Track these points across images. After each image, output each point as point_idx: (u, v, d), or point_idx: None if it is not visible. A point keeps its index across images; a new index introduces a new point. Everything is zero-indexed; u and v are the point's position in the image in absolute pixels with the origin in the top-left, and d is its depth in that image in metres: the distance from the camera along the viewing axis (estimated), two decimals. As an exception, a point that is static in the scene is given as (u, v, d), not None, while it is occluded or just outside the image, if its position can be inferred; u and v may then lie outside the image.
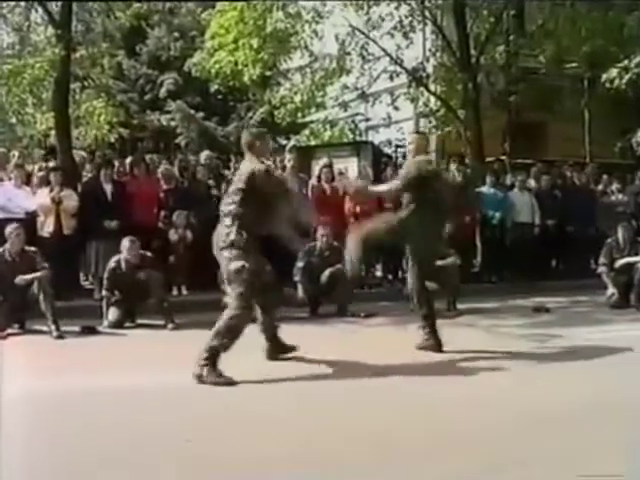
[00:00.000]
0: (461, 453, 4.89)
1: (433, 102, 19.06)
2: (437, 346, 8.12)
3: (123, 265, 10.46)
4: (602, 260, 12.38)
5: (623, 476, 4.40)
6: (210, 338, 6.88)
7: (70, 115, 15.33)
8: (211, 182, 13.46)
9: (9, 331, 9.76)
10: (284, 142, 24.79)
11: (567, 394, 6.30)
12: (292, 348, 7.76)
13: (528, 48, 20.43)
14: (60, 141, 14.31)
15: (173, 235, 12.53)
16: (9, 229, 10.05)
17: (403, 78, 18.72)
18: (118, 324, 10.21)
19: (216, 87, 19.32)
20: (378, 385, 6.76)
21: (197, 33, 24.40)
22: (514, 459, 4.76)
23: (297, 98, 18.94)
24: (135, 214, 12.52)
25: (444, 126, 19.45)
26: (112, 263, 10.53)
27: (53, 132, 16.11)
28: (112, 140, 22.16)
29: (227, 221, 7.30)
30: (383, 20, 17.88)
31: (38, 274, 9.81)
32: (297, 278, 11.36)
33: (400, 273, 13.45)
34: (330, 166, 14.15)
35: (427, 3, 18.04)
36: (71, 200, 12.17)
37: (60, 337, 9.44)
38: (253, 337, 7.40)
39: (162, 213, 12.91)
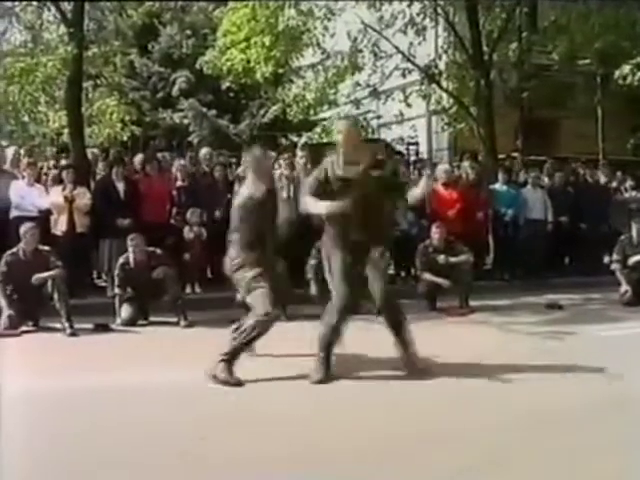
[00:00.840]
0: (469, 450, 4.90)
1: (445, 99, 19.03)
2: None
3: (132, 262, 10.48)
4: (615, 257, 12.35)
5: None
6: (233, 337, 6.90)
7: (83, 113, 15.36)
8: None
9: (23, 328, 9.79)
10: (296, 139, 24.80)
11: (579, 391, 6.29)
12: None
13: (540, 45, 20.37)
14: (73, 139, 14.36)
15: (188, 233, 12.54)
16: (24, 228, 10.07)
17: (415, 75, 18.69)
18: (131, 322, 10.23)
19: (228, 85, 19.34)
20: (386, 383, 6.75)
21: (209, 31, 24.39)
22: (523, 455, 4.76)
23: (309, 95, 18.94)
24: (148, 212, 12.54)
25: (456, 123, 19.42)
26: (122, 259, 10.58)
27: (66, 130, 16.17)
28: (124, 138, 22.21)
29: (232, 247, 7.44)
30: (395, 17, 17.85)
31: (52, 273, 9.85)
32: (310, 276, 11.34)
33: (413, 270, 13.43)
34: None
35: (439, 0, 18.02)
36: (84, 198, 12.20)
37: (73, 334, 9.47)
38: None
39: (175, 210, 12.93)
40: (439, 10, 18.04)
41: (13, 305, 9.71)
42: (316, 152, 15.08)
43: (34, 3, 16.27)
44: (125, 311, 10.33)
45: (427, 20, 18.16)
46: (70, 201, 12.00)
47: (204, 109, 25.54)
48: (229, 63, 17.40)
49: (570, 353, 8.06)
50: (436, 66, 18.79)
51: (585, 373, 6.92)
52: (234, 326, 7.05)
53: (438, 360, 7.59)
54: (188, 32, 26.58)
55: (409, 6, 17.87)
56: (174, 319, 10.23)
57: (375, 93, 19.27)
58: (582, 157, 18.85)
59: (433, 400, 6.18)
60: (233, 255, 7.37)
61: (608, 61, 18.59)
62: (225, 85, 19.61)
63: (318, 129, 22.12)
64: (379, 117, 21.94)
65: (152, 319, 10.52)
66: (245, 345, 6.91)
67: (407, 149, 21.24)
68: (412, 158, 19.69)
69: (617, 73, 16.77)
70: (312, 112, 20.68)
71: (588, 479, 4.49)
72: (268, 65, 17.15)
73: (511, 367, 7.23)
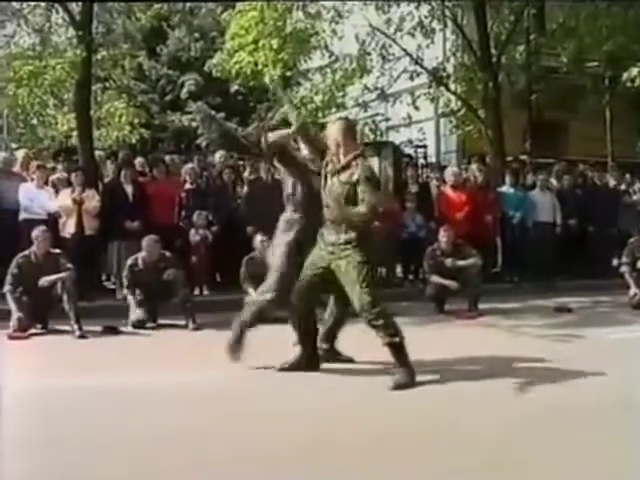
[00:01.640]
0: (473, 451, 4.89)
1: (454, 102, 19.03)
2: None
3: (140, 263, 10.49)
4: (624, 260, 12.32)
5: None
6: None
7: (91, 116, 15.38)
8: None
9: (32, 331, 9.81)
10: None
11: (588, 394, 6.26)
12: None
13: (549, 47, 20.37)
14: (81, 142, 14.37)
15: (194, 236, 12.56)
16: (36, 232, 10.08)
17: (423, 78, 18.71)
18: (140, 324, 10.24)
19: (236, 87, 19.35)
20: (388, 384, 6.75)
21: (217, 34, 24.46)
22: (531, 457, 4.75)
23: (317, 98, 18.93)
24: (156, 214, 12.57)
25: (465, 126, 19.43)
26: (130, 261, 10.60)
27: (74, 133, 16.18)
28: (133, 141, 22.23)
29: None
30: (404, 20, 17.85)
31: (62, 275, 9.86)
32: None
33: (421, 273, 13.42)
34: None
35: (447, 2, 18.04)
36: (93, 201, 12.22)
37: (82, 337, 9.48)
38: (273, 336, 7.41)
39: (183, 213, 12.95)
40: (447, 13, 18.06)
41: (22, 307, 9.72)
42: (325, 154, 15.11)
43: (42, 5, 16.29)
44: (134, 313, 10.34)
45: (435, 23, 18.18)
46: (79, 204, 12.03)
47: (212, 112, 25.45)
48: (237, 66, 17.39)
49: (579, 356, 8.03)
50: (444, 69, 18.81)
51: (594, 376, 6.89)
52: None
53: (445, 362, 7.58)
54: (196, 35, 26.66)
55: (417, 9, 17.88)
56: (182, 322, 10.24)
57: (383, 96, 19.27)
58: (591, 159, 18.81)
59: (440, 401, 6.16)
60: None
61: (616, 63, 18.58)
62: (233, 88, 19.63)
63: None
64: (387, 120, 21.89)
65: (160, 321, 10.52)
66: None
67: (415, 152, 21.22)
68: (420, 161, 19.68)
69: (625, 75, 16.74)
70: (320, 115, 20.67)
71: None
72: (276, 68, 17.16)
73: (519, 370, 7.22)
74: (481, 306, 11.34)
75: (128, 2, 21.81)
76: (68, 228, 12.09)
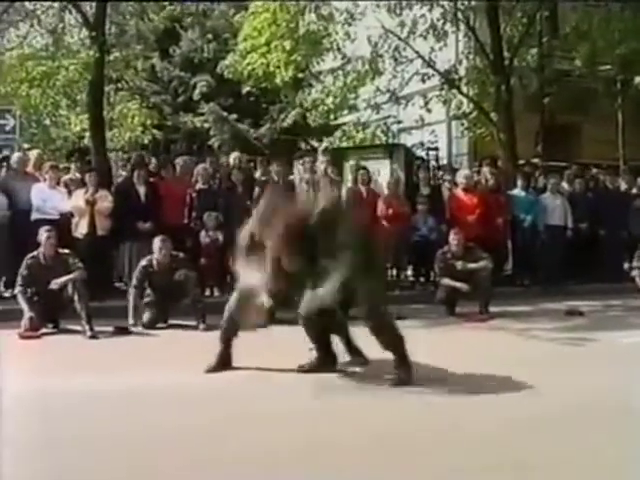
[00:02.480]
0: (482, 452, 4.90)
1: (466, 104, 19.00)
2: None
3: (155, 264, 10.51)
4: (636, 263, 12.32)
5: None
6: None
7: (104, 117, 15.44)
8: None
9: (43, 330, 9.85)
10: (316, 144, 24.82)
11: (599, 398, 6.25)
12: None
13: (561, 50, 20.34)
14: (94, 143, 14.43)
15: (204, 237, 12.58)
16: (42, 234, 10.12)
17: (436, 80, 18.67)
18: (151, 324, 10.27)
19: (248, 89, 19.39)
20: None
21: (230, 35, 24.45)
22: (539, 460, 4.76)
23: (329, 100, 18.96)
24: (168, 215, 12.60)
25: (477, 129, 19.40)
26: (144, 262, 10.61)
27: (87, 134, 16.26)
28: (145, 142, 22.31)
29: None
30: (416, 22, 17.85)
31: (72, 276, 9.89)
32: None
33: (432, 276, 13.43)
34: (365, 168, 14.24)
35: (460, 5, 18.00)
36: (105, 201, 12.26)
37: (94, 337, 9.51)
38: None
39: (194, 214, 12.96)
40: (460, 15, 18.03)
41: (34, 307, 9.76)
42: (336, 157, 15.15)
43: (55, 6, 16.35)
44: (145, 314, 10.36)
45: (448, 25, 18.14)
46: (91, 204, 12.07)
47: (225, 113, 25.60)
48: (250, 67, 17.45)
49: (591, 360, 8.03)
50: (456, 71, 18.77)
51: (606, 380, 6.88)
52: None
53: (454, 365, 7.58)
54: (209, 36, 26.65)
55: (430, 11, 17.86)
56: (193, 322, 10.26)
57: (395, 98, 19.25)
58: (602, 163, 18.77)
59: (449, 403, 6.16)
60: None
61: (629, 67, 18.56)
62: (245, 89, 19.67)
63: (338, 134, 22.11)
64: (399, 122, 21.89)
65: (171, 322, 10.55)
66: None
67: (427, 154, 21.21)
68: (432, 163, 19.67)
69: (638, 79, 16.75)
70: (332, 117, 20.70)
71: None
72: (288, 69, 17.20)
73: (530, 373, 7.21)
74: (492, 309, 11.34)
75: (141, 2, 21.90)
76: (80, 228, 12.13)
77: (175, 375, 7.00)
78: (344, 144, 20.64)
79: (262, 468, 4.64)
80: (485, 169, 15.30)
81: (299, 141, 25.13)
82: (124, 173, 13.97)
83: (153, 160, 14.60)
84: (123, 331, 9.93)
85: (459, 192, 14.33)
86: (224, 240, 12.44)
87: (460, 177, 14.68)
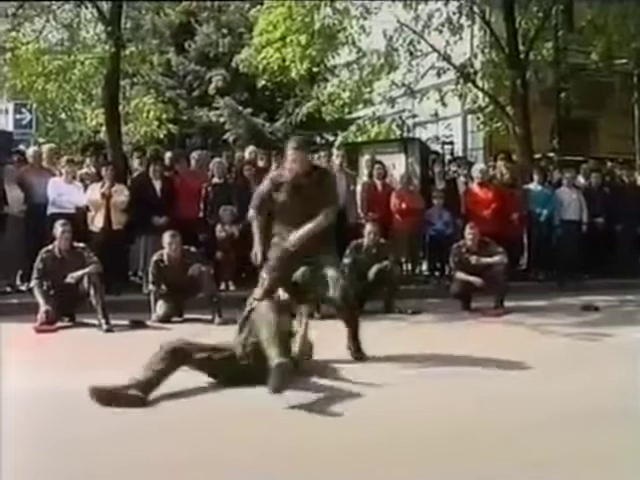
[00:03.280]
0: (496, 449, 4.89)
1: (481, 98, 18.96)
2: None
3: (166, 259, 10.53)
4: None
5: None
6: None
7: (120, 111, 15.46)
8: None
9: (59, 324, 9.89)
10: (331, 138, 24.81)
11: (615, 394, 6.23)
12: None
13: (577, 44, 20.27)
14: (110, 137, 14.45)
15: (220, 232, 12.59)
16: (58, 227, 10.16)
17: (451, 74, 18.63)
18: (166, 318, 10.29)
19: (264, 83, 19.38)
20: (416, 380, 6.74)
21: (245, 30, 24.44)
22: (558, 459, 4.74)
23: (344, 94, 18.94)
24: (184, 209, 12.63)
25: (492, 123, 19.35)
26: (156, 257, 10.65)
27: (103, 128, 16.28)
28: (161, 136, 22.33)
29: None
30: (431, 16, 17.81)
31: (87, 270, 9.92)
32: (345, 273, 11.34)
33: (447, 270, 13.42)
34: (380, 162, 14.25)
35: (476, -1, 17.98)
36: (121, 195, 12.29)
37: (109, 330, 9.54)
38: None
39: (209, 208, 12.98)
40: (475, 9, 17.98)
41: (49, 301, 9.80)
42: (351, 151, 15.15)
43: (71, 1, 16.37)
44: (160, 308, 10.39)
45: (463, 19, 18.11)
46: (107, 198, 12.10)
47: (240, 107, 25.62)
48: (265, 62, 17.45)
49: (606, 355, 8.00)
50: (472, 65, 18.72)
51: (621, 375, 6.86)
52: None
53: (469, 359, 7.58)
54: (224, 31, 26.65)
55: (445, 5, 17.83)
56: (208, 316, 10.27)
57: (410, 92, 19.23)
58: (619, 157, 18.71)
59: (462, 399, 6.15)
60: None
61: (645, 61, 18.50)
62: (261, 83, 19.62)
63: (353, 128, 22.09)
64: (414, 116, 21.87)
65: (186, 316, 10.57)
66: None
67: (442, 148, 21.20)
68: (447, 157, 19.65)
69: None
70: (347, 111, 20.69)
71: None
72: (303, 64, 17.19)
73: (545, 369, 7.20)
74: (507, 304, 11.31)
75: (157, 0, 21.95)
76: (96, 222, 12.17)
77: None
78: (359, 138, 20.63)
79: (269, 467, 4.64)
80: (500, 163, 15.27)
81: (314, 135, 25.11)
82: (139, 167, 13.96)
83: (168, 154, 14.60)
84: (139, 325, 9.96)
85: (474, 186, 14.31)
86: (240, 234, 12.49)
87: (475, 171, 14.66)
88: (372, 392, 6.30)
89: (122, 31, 15.09)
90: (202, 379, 6.41)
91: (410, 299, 11.87)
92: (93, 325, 9.74)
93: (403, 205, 13.64)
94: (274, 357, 5.97)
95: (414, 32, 17.79)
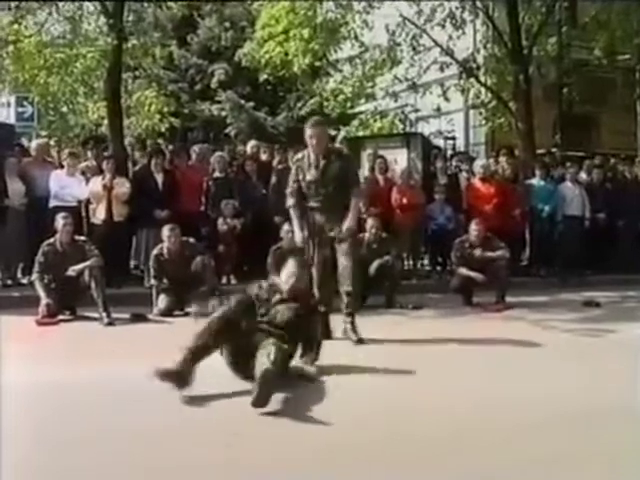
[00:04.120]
0: (493, 449, 4.87)
1: (484, 94, 18.96)
2: None
3: (166, 253, 10.52)
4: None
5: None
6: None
7: (122, 105, 15.45)
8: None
9: (60, 317, 9.89)
10: (334, 133, 24.81)
11: (616, 391, 6.21)
12: None
13: (580, 39, 20.25)
14: (112, 131, 14.43)
15: (222, 225, 12.59)
16: (60, 220, 10.15)
17: (454, 69, 18.64)
18: (168, 312, 10.28)
19: (266, 77, 19.39)
20: (419, 375, 6.72)
21: (247, 23, 24.48)
22: (561, 456, 4.73)
23: (347, 89, 18.95)
24: (185, 203, 12.62)
25: (495, 118, 19.35)
26: (156, 251, 10.64)
27: (105, 121, 16.28)
28: (163, 130, 22.33)
29: None
30: (434, 11, 17.80)
31: (88, 263, 9.92)
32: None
33: (448, 265, 13.42)
34: (382, 157, 14.23)
35: (479, -6, 17.96)
36: (123, 187, 12.27)
37: (110, 324, 9.53)
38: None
39: (211, 201, 12.98)
40: (478, 4, 17.98)
41: (51, 294, 9.80)
42: (353, 146, 15.14)
43: (74, -7, 16.37)
44: (162, 301, 10.39)
45: (466, 14, 18.11)
46: (109, 190, 12.10)
47: (242, 101, 25.63)
48: (267, 56, 17.46)
49: (607, 351, 7.99)
50: (475, 60, 18.72)
51: (622, 372, 6.84)
52: None
53: (470, 355, 7.57)
54: (227, 24, 26.67)
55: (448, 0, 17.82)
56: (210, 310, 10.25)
57: (413, 87, 19.22)
58: (621, 153, 18.69)
59: (462, 395, 6.13)
60: None
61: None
62: (263, 77, 19.64)
63: (356, 122, 22.10)
64: (417, 110, 21.87)
65: (188, 310, 10.55)
66: None
67: (444, 143, 21.19)
68: (449, 152, 19.64)
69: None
70: (350, 105, 20.68)
71: None
72: (306, 58, 17.18)
73: (546, 364, 7.19)
74: (508, 299, 11.28)
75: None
76: (98, 214, 12.16)
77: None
78: (361, 133, 20.63)
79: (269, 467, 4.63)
80: (502, 158, 15.26)
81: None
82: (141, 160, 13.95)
83: (169, 148, 14.61)
84: (140, 318, 9.96)
85: (476, 181, 14.30)
86: (241, 227, 12.50)
87: (477, 166, 14.66)
88: (369, 388, 6.29)
89: (124, 24, 15.04)
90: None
91: (411, 294, 11.86)
92: (94, 318, 9.73)
93: (404, 200, 13.61)
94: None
95: (417, 27, 17.79)
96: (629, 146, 21.49)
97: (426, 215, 13.96)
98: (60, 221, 10.14)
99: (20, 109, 18.69)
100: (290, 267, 6.87)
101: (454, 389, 6.25)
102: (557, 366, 7.10)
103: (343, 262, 7.93)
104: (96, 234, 11.59)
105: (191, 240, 10.76)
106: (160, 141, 18.53)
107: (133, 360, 7.05)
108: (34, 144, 13.48)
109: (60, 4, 16.35)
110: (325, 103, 20.15)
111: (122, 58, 14.99)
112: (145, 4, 22.68)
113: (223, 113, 25.89)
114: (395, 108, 20.90)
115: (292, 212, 8.28)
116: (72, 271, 9.88)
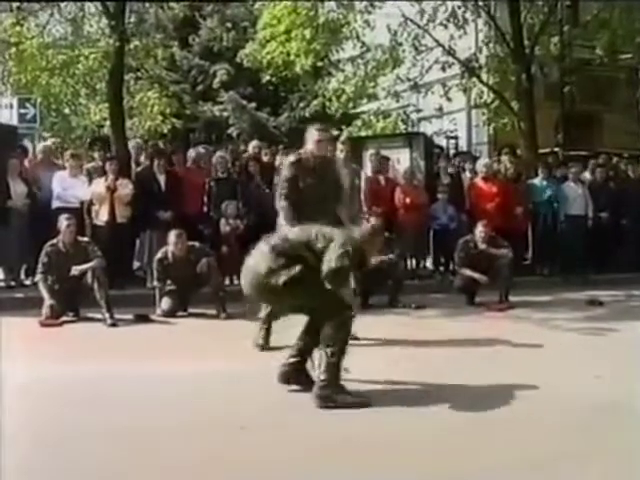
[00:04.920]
0: (493, 448, 4.88)
1: (486, 93, 18.93)
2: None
3: (170, 257, 10.50)
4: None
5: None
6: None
7: (124, 106, 15.45)
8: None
9: (64, 318, 9.89)
10: (336, 133, 24.78)
11: (620, 390, 6.21)
12: None
13: (582, 39, 20.23)
14: (114, 131, 14.43)
15: (224, 226, 12.58)
16: (62, 222, 10.16)
17: (456, 69, 18.63)
18: (171, 313, 10.28)
19: (268, 78, 19.39)
20: (422, 374, 6.73)
21: (249, 24, 24.47)
22: (558, 454, 4.73)
23: (349, 89, 18.94)
24: (188, 204, 12.61)
25: (497, 117, 19.32)
26: (160, 254, 10.61)
27: (107, 123, 16.28)
28: (165, 131, 22.35)
29: None
30: (436, 11, 17.79)
31: (92, 264, 9.93)
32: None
33: (451, 265, 13.41)
34: (384, 157, 14.20)
35: (480, -7, 17.95)
36: (126, 188, 12.27)
37: (114, 325, 9.55)
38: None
39: (213, 202, 12.97)
40: (480, 3, 17.95)
41: (54, 295, 9.81)
42: (356, 146, 15.11)
43: (76, -6, 16.39)
44: (165, 302, 10.38)
45: (468, 13, 18.09)
46: (112, 191, 12.09)
47: (244, 102, 25.64)
48: (269, 56, 17.46)
49: (611, 350, 7.99)
50: (477, 60, 18.71)
51: (626, 370, 6.84)
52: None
53: (473, 354, 7.57)
54: (228, 25, 26.66)
55: (450, -1, 17.82)
56: (213, 311, 10.27)
57: (415, 87, 19.22)
58: (624, 152, 18.67)
59: (463, 394, 6.14)
60: None
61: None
62: (265, 78, 19.65)
63: (358, 122, 22.09)
64: (419, 110, 21.86)
65: (191, 311, 10.57)
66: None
67: (447, 142, 21.18)
68: (452, 152, 19.63)
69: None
70: (351, 105, 20.67)
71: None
72: (308, 58, 17.18)
73: (550, 363, 7.19)
74: (512, 298, 11.29)
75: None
76: (101, 216, 12.15)
77: (195, 363, 6.99)
78: (364, 133, 20.61)
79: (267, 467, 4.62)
80: (505, 158, 15.25)
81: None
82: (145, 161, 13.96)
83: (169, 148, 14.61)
84: (143, 319, 9.97)
85: (479, 181, 14.29)
86: (244, 228, 12.48)
87: (480, 166, 14.66)
88: (372, 387, 6.30)
89: (126, 25, 15.06)
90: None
91: (414, 294, 11.86)
92: (97, 319, 9.75)
93: (407, 200, 13.60)
94: None
95: (419, 26, 17.77)
96: (632, 145, 21.41)
97: (429, 215, 13.95)
98: (63, 222, 10.14)
99: (22, 110, 18.70)
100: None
101: (457, 388, 6.26)
102: (560, 365, 7.10)
103: None
104: (99, 235, 11.59)
105: (197, 245, 10.74)
106: (160, 143, 18.49)
107: (137, 361, 7.07)
108: (40, 147, 13.48)
109: (62, 5, 16.37)
110: (327, 103, 20.14)
111: (124, 59, 14.99)
112: (147, 5, 22.75)
113: (225, 114, 25.89)
114: (397, 108, 20.88)
115: (285, 213, 7.83)
116: (75, 271, 9.88)
